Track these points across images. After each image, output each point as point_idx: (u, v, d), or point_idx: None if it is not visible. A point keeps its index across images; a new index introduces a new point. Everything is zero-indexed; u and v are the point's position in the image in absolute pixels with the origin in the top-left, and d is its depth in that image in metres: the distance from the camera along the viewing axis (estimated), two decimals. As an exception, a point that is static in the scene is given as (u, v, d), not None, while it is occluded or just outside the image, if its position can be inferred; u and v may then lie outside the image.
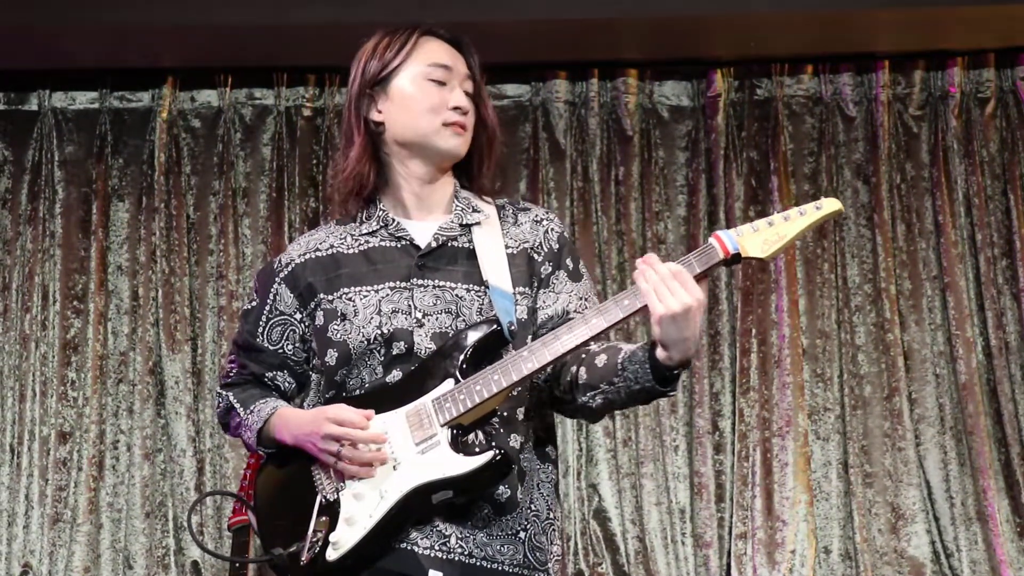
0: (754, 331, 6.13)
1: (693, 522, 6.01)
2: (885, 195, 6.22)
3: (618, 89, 6.32)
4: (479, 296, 2.66)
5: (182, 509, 5.94)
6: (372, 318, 2.65)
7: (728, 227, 6.07)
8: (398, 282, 2.67)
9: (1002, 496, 6.01)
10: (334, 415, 2.59)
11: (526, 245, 2.74)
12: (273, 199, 6.23)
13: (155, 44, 6.03)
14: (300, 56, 6.16)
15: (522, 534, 2.64)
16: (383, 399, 2.61)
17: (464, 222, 2.73)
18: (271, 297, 2.79)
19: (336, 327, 2.68)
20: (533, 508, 2.67)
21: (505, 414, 2.63)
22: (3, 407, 6.04)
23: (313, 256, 2.77)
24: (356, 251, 2.73)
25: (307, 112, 6.30)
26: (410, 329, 2.63)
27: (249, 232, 6.21)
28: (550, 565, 2.69)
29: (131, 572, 5.93)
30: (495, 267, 2.67)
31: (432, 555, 2.57)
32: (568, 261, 2.76)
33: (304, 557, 2.58)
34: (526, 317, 2.68)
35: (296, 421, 2.68)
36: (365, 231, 2.75)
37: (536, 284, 2.72)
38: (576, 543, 5.94)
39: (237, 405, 2.81)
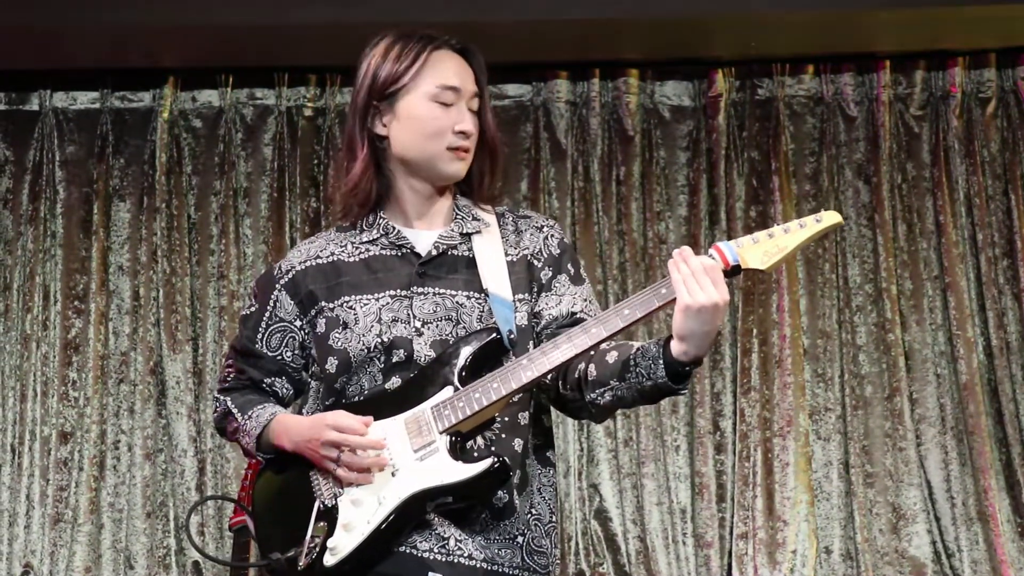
0: (755, 331, 6.13)
1: (694, 522, 6.02)
2: (886, 195, 6.22)
3: (619, 89, 6.32)
4: (479, 303, 2.66)
5: (183, 509, 5.95)
6: (372, 326, 2.65)
7: (729, 227, 6.14)
8: (398, 290, 2.67)
9: (1003, 496, 6.01)
10: (333, 421, 2.59)
11: (526, 252, 2.73)
12: (274, 199, 6.24)
13: (156, 44, 6.03)
14: (301, 56, 6.16)
15: (520, 539, 2.63)
16: (382, 406, 2.61)
17: (464, 231, 2.73)
18: (271, 303, 2.79)
19: (337, 335, 2.68)
20: (535, 512, 2.67)
21: (507, 419, 2.63)
22: (4, 407, 6.05)
23: (314, 263, 2.76)
24: (357, 259, 2.73)
25: (308, 112, 6.31)
26: (409, 337, 2.63)
27: (250, 232, 6.21)
28: (551, 569, 2.69)
29: (132, 572, 5.94)
30: (495, 275, 2.67)
31: (432, 557, 2.57)
32: (569, 266, 2.76)
33: (302, 562, 2.58)
34: (526, 324, 2.68)
35: (296, 427, 2.67)
36: (366, 239, 2.74)
37: (536, 290, 2.72)
38: (577, 543, 5.94)
39: (235, 410, 2.80)
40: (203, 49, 6.10)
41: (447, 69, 2.72)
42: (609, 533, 5.99)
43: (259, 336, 2.80)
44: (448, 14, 5.53)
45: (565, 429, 5.98)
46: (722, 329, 6.14)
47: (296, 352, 2.79)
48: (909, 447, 6.04)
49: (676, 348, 2.47)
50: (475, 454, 2.57)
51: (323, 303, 2.71)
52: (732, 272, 2.48)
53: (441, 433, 2.55)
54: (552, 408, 2.79)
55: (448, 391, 2.57)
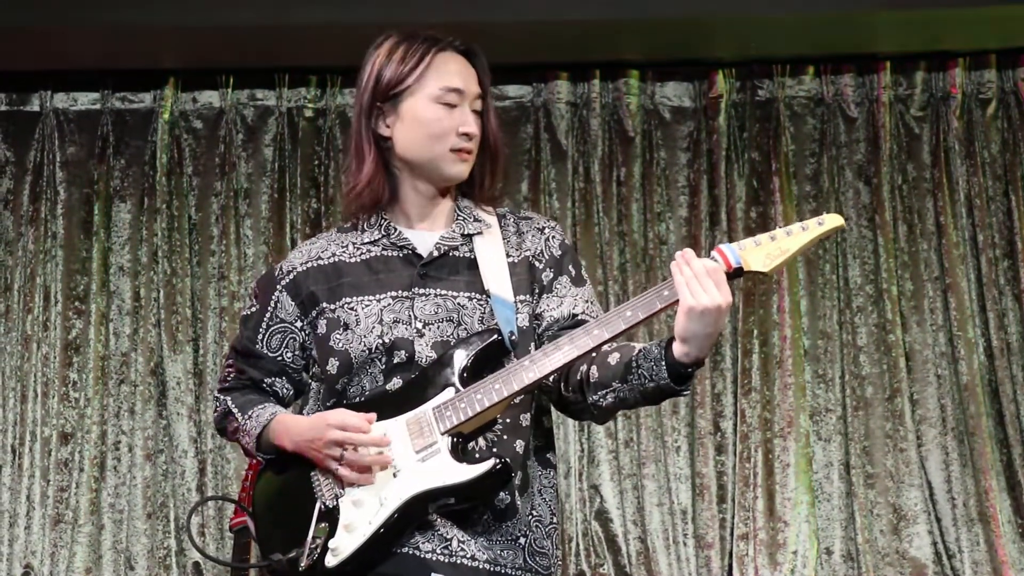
0: (756, 332, 6.13)
1: (695, 523, 6.02)
2: (886, 196, 6.22)
3: (620, 90, 6.33)
4: (481, 305, 2.66)
5: (183, 510, 5.95)
6: (374, 327, 2.64)
7: (729, 228, 6.14)
8: (400, 291, 2.67)
9: (1004, 497, 6.01)
10: (336, 420, 2.58)
11: (527, 253, 2.74)
12: (275, 200, 6.24)
13: (156, 45, 6.04)
14: (302, 57, 6.16)
15: (522, 540, 2.63)
16: (383, 407, 2.61)
17: (465, 232, 2.73)
18: (272, 304, 2.79)
19: (338, 336, 2.67)
20: (536, 513, 2.66)
21: (509, 420, 2.63)
22: (5, 408, 6.05)
23: (315, 264, 2.76)
24: (358, 260, 2.73)
25: (309, 113, 6.31)
26: (411, 338, 2.63)
27: (251, 233, 6.22)
28: (553, 570, 2.69)
29: (132, 573, 5.94)
30: (496, 276, 2.67)
31: (435, 558, 2.57)
32: (571, 267, 2.76)
33: (303, 563, 2.58)
34: (527, 325, 2.68)
35: (297, 427, 2.67)
36: (367, 240, 2.74)
37: (537, 291, 2.72)
38: (578, 544, 5.94)
39: (235, 410, 2.80)
40: (204, 50, 6.10)
41: (451, 71, 2.72)
42: (610, 534, 5.99)
43: (260, 337, 2.79)
44: (448, 14, 5.53)
45: (566, 430, 5.98)
46: (723, 330, 6.12)
47: (296, 353, 2.79)
48: (910, 448, 6.04)
49: (678, 349, 2.47)
50: (477, 455, 2.57)
51: (324, 304, 2.71)
52: (734, 274, 2.48)
53: (443, 434, 2.55)
54: (553, 410, 2.79)
55: (449, 392, 2.57)
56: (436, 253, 2.70)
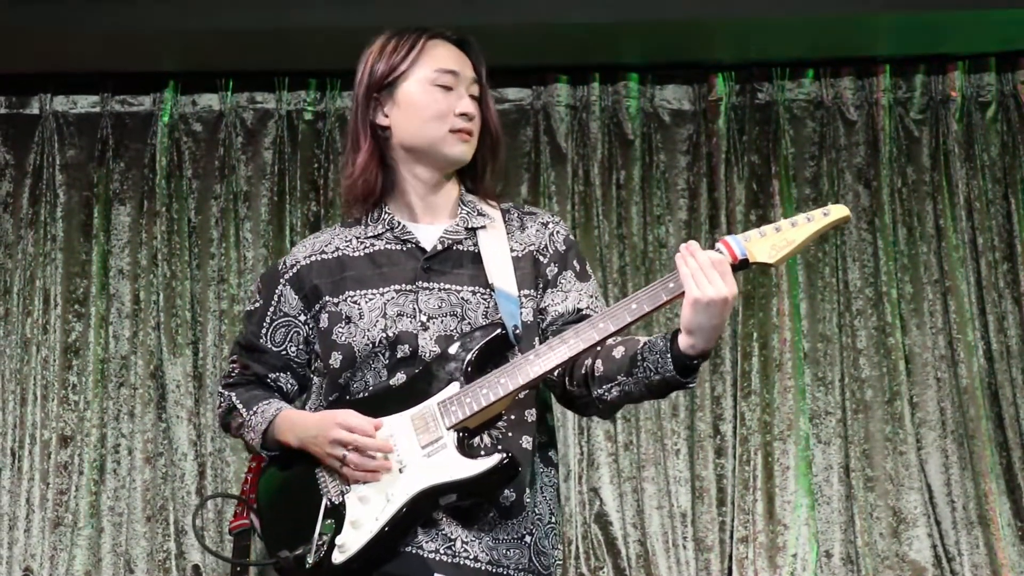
0: (755, 335, 6.13)
1: (694, 526, 6.01)
2: (886, 199, 6.22)
3: (619, 93, 6.33)
4: (485, 299, 2.65)
5: (183, 513, 5.94)
6: (377, 321, 2.64)
7: (729, 231, 6.14)
8: (403, 285, 2.67)
9: (1004, 500, 6.01)
10: (343, 420, 2.58)
11: (532, 248, 2.73)
12: (274, 203, 6.24)
13: (156, 48, 6.03)
14: (301, 60, 6.16)
15: (528, 538, 2.63)
16: (387, 402, 2.61)
17: (469, 225, 2.72)
18: (275, 298, 2.78)
19: (341, 330, 2.67)
20: (537, 512, 2.66)
21: (514, 416, 2.63)
22: (4, 411, 6.05)
23: (318, 258, 2.76)
24: (361, 254, 2.73)
25: (308, 116, 6.31)
26: (415, 332, 2.63)
27: (250, 236, 6.21)
28: (553, 570, 2.68)
29: (132, 576, 5.94)
30: (500, 270, 2.66)
31: (438, 559, 2.56)
32: (575, 262, 2.76)
33: (310, 560, 2.58)
34: (532, 319, 2.68)
35: (302, 424, 2.67)
36: (370, 234, 2.74)
37: (542, 285, 2.72)
38: (577, 547, 5.94)
39: (240, 406, 2.79)
40: (203, 53, 6.10)
41: (444, 55, 2.73)
42: (609, 537, 5.98)
43: (263, 331, 2.79)
44: (449, 17, 5.53)
45: (565, 432, 5.98)
46: (723, 332, 6.14)
47: (300, 347, 2.78)
48: (909, 451, 6.04)
49: (684, 341, 2.46)
50: (483, 451, 2.57)
51: (327, 298, 2.71)
52: (740, 266, 2.48)
53: (448, 429, 2.54)
54: (555, 408, 2.79)
55: (454, 387, 2.56)
56: (440, 247, 2.70)
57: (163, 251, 6.17)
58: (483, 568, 2.58)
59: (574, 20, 5.82)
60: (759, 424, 6.06)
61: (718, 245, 2.49)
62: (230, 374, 2.87)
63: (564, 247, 2.76)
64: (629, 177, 6.29)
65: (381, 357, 2.64)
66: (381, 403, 2.61)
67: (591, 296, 2.74)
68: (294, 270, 2.77)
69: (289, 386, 2.83)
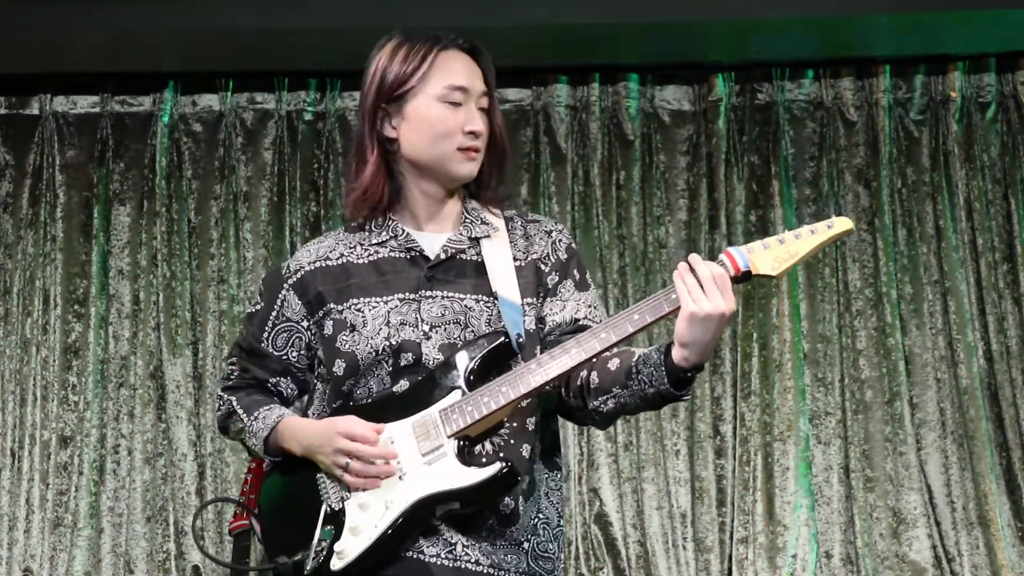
0: (755, 335, 6.14)
1: (694, 526, 6.01)
2: (886, 199, 6.22)
3: (619, 93, 6.33)
4: (488, 307, 2.65)
5: (183, 514, 5.95)
6: (380, 329, 2.63)
7: (729, 231, 6.14)
8: (407, 293, 2.66)
9: (1003, 500, 6.01)
10: (345, 429, 2.58)
11: (534, 256, 2.72)
12: (274, 203, 6.24)
13: (156, 48, 6.04)
14: (301, 60, 6.17)
15: (525, 544, 2.63)
16: (389, 408, 2.60)
17: (473, 235, 2.72)
18: (278, 303, 2.77)
19: (345, 337, 2.66)
20: (542, 516, 2.66)
21: (515, 424, 2.62)
22: (4, 411, 6.05)
23: (323, 264, 2.74)
24: (366, 261, 2.71)
25: (308, 116, 6.31)
26: (418, 340, 2.62)
27: (250, 236, 6.21)
28: (556, 573, 2.68)
29: (131, 576, 5.94)
30: (504, 279, 2.66)
31: (439, 563, 2.56)
32: (575, 271, 2.74)
33: (308, 566, 2.57)
34: (534, 328, 2.67)
35: (306, 432, 2.66)
36: (375, 241, 2.73)
37: (542, 294, 2.71)
38: (577, 547, 5.94)
39: (240, 411, 2.78)
40: (203, 53, 6.10)
41: (455, 69, 2.69)
42: (609, 537, 5.99)
43: (265, 335, 2.78)
44: (448, 18, 5.53)
45: (565, 433, 5.98)
46: (717, 346, 6.14)
47: (302, 352, 2.77)
48: (909, 451, 6.04)
49: (677, 354, 2.46)
50: (483, 459, 2.56)
51: (331, 305, 2.70)
52: (743, 278, 2.47)
53: (449, 437, 2.54)
54: None
55: (456, 395, 2.56)
56: (443, 256, 2.69)
57: (163, 251, 6.17)
58: (484, 571, 2.58)
59: (574, 20, 5.82)
60: (759, 425, 6.06)
61: (721, 256, 2.48)
62: (229, 376, 2.85)
63: (566, 256, 2.75)
64: (629, 177, 6.29)
65: (384, 364, 2.63)
66: (383, 410, 2.60)
67: (589, 306, 2.72)
68: (298, 275, 2.76)
69: (289, 391, 2.82)
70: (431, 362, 2.61)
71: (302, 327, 2.76)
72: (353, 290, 2.68)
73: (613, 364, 2.57)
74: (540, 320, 2.70)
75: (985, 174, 6.25)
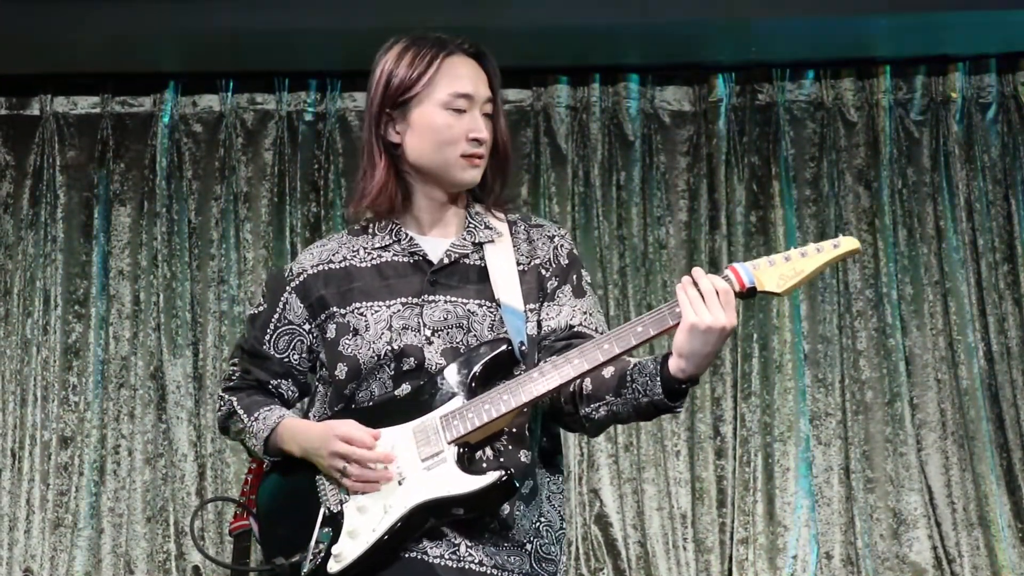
0: (755, 336, 6.14)
1: (694, 527, 6.01)
2: (886, 200, 6.22)
3: (619, 94, 6.33)
4: (491, 312, 2.64)
5: (183, 514, 5.95)
6: (383, 333, 2.63)
7: (729, 232, 6.15)
8: (410, 298, 2.65)
9: (1004, 501, 6.01)
10: (342, 433, 2.57)
11: (537, 262, 2.72)
12: (275, 204, 6.24)
13: (156, 49, 6.04)
14: (301, 61, 6.17)
15: (528, 546, 2.62)
16: (390, 413, 2.60)
17: (476, 240, 2.71)
18: (280, 305, 2.77)
19: (347, 341, 2.66)
20: (545, 519, 2.65)
21: (515, 430, 2.61)
22: (4, 412, 6.05)
23: (326, 268, 2.74)
24: (369, 265, 2.71)
25: (309, 117, 6.31)
26: (420, 345, 2.62)
27: (251, 237, 6.21)
28: (558, 575, 2.68)
29: (132, 577, 5.94)
30: (507, 285, 2.65)
31: (443, 563, 2.55)
32: (574, 277, 2.74)
33: (305, 568, 2.57)
34: (536, 333, 2.67)
35: (305, 434, 2.66)
36: (378, 245, 2.72)
37: (542, 299, 2.70)
38: (577, 548, 5.94)
39: (241, 411, 2.78)
40: (204, 54, 6.11)
41: (461, 76, 2.69)
42: (609, 538, 5.98)
43: (267, 337, 2.78)
44: (448, 18, 5.52)
45: (565, 434, 5.95)
46: (715, 360, 6.14)
47: (303, 355, 2.77)
48: (910, 452, 6.04)
49: (674, 365, 2.46)
50: (483, 466, 2.56)
51: (334, 308, 2.69)
52: (748, 294, 2.46)
53: (449, 443, 2.54)
54: None
55: (458, 401, 2.56)
56: (447, 260, 2.69)
57: (163, 252, 6.17)
58: (488, 572, 2.57)
59: (574, 21, 5.82)
60: (759, 425, 6.06)
61: (726, 271, 2.48)
62: (231, 377, 2.86)
63: (567, 261, 2.74)
64: (629, 178, 6.29)
65: (387, 368, 2.63)
66: (384, 414, 2.60)
67: (585, 312, 2.71)
68: (301, 279, 2.76)
69: (290, 393, 2.82)
70: (433, 367, 2.61)
71: (304, 330, 2.76)
72: (356, 294, 2.68)
73: (608, 371, 2.57)
74: (537, 324, 2.69)
75: (986, 175, 6.25)
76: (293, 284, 2.76)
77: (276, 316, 2.77)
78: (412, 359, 2.62)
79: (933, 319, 6.16)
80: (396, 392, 2.63)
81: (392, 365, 2.62)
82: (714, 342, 2.42)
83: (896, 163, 6.27)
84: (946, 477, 6.03)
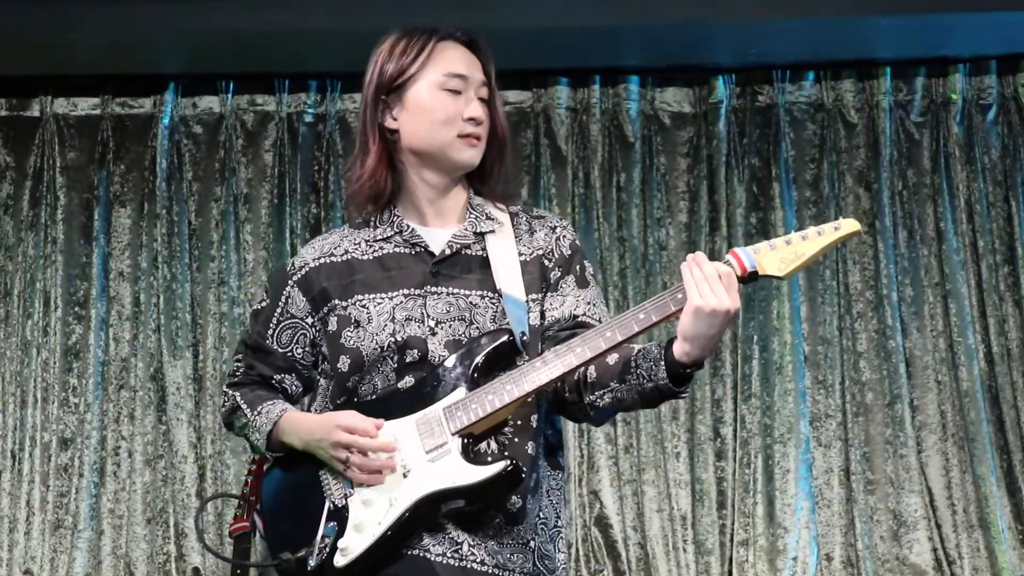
0: (756, 337, 6.13)
1: (695, 529, 6.01)
2: (887, 202, 6.22)
3: (620, 95, 6.33)
4: (493, 303, 2.64)
5: (183, 515, 5.94)
6: (386, 325, 2.63)
7: (729, 233, 6.14)
8: (412, 289, 2.66)
9: (1004, 503, 6.00)
10: (344, 422, 2.57)
11: (539, 252, 2.72)
12: (275, 205, 6.24)
13: (157, 50, 6.04)
14: (302, 62, 6.17)
15: (532, 543, 2.62)
16: (394, 405, 2.60)
17: (478, 230, 2.71)
18: (282, 299, 2.77)
19: (349, 334, 2.66)
20: (542, 516, 2.65)
21: (519, 422, 2.62)
22: (4, 413, 6.05)
23: (327, 261, 2.74)
24: (370, 257, 2.71)
25: (309, 118, 6.31)
26: (423, 337, 2.62)
27: (251, 238, 6.21)
28: (558, 573, 2.67)
29: (132, 578, 5.94)
30: (508, 275, 2.65)
31: (444, 562, 2.55)
32: (577, 268, 2.74)
33: (312, 562, 2.57)
34: (539, 324, 2.67)
35: (306, 426, 2.65)
36: (379, 237, 2.73)
37: (545, 289, 2.71)
38: (577, 550, 5.94)
39: (244, 406, 2.78)
40: (204, 55, 6.11)
41: (453, 58, 2.71)
42: (609, 540, 5.98)
43: (270, 332, 2.78)
44: (449, 20, 5.49)
45: (565, 435, 5.93)
46: (723, 337, 6.14)
47: (306, 349, 2.77)
48: (910, 454, 6.04)
49: (678, 349, 2.46)
50: (488, 457, 2.56)
51: (336, 301, 2.70)
52: (749, 278, 2.47)
53: (453, 435, 2.54)
54: None
55: (460, 392, 2.56)
56: (448, 251, 2.69)
57: (163, 253, 6.17)
58: (489, 571, 2.57)
59: (574, 22, 5.82)
60: (759, 427, 6.06)
61: (727, 256, 2.48)
62: (235, 373, 2.86)
63: (569, 252, 2.75)
64: (629, 180, 6.29)
65: (390, 361, 2.63)
66: (388, 406, 2.60)
67: (588, 303, 2.72)
68: (302, 272, 2.76)
69: (294, 388, 2.82)
70: (436, 358, 2.61)
71: (307, 323, 2.76)
72: (358, 286, 2.68)
73: (611, 358, 2.57)
74: (541, 315, 2.69)
75: (986, 176, 6.25)
76: (295, 278, 2.77)
77: (279, 310, 2.78)
78: (416, 351, 2.62)
79: (933, 321, 6.16)
80: (399, 384, 2.63)
81: (395, 357, 2.62)
82: (719, 325, 2.42)
83: (896, 165, 6.27)
84: (946, 479, 6.03)
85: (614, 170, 6.30)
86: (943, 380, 6.12)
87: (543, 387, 2.53)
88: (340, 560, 2.54)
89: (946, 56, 6.26)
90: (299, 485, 2.68)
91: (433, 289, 2.65)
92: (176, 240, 6.19)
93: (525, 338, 2.61)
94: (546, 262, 2.72)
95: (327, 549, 2.57)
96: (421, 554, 2.56)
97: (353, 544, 2.55)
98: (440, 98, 2.68)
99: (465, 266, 2.68)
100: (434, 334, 2.62)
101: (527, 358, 2.59)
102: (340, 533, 2.56)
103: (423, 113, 2.69)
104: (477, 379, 2.56)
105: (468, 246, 2.70)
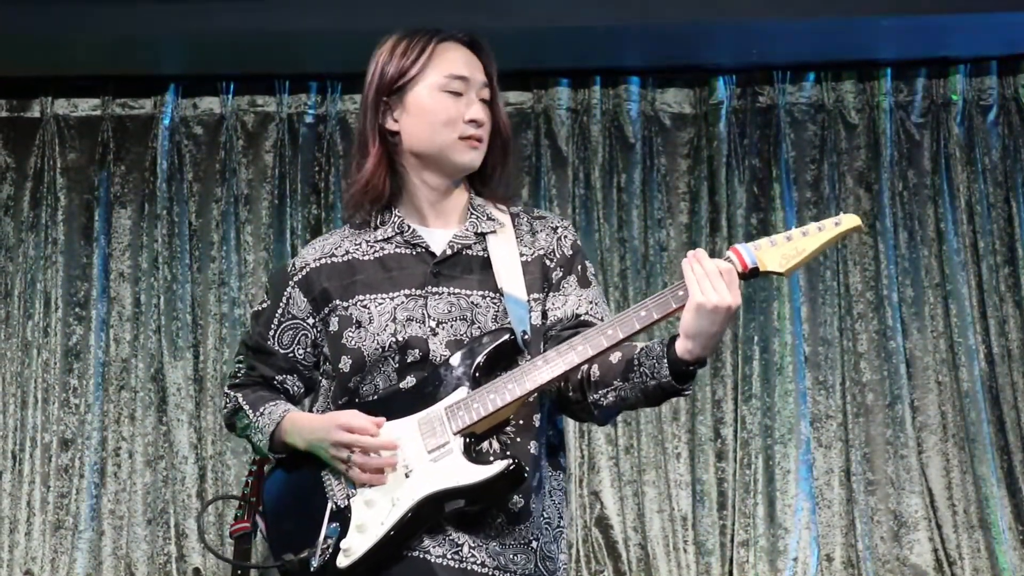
0: (756, 338, 6.14)
1: (695, 529, 6.01)
2: (887, 202, 6.22)
3: (620, 96, 6.33)
4: (494, 303, 2.64)
5: (184, 516, 5.95)
6: (387, 326, 2.63)
7: (730, 234, 6.14)
8: (413, 290, 2.65)
9: (1005, 503, 6.00)
10: (345, 422, 2.57)
11: (540, 252, 2.72)
12: (275, 206, 6.24)
13: (157, 51, 6.04)
14: (302, 63, 6.17)
15: (534, 543, 2.62)
16: (396, 405, 2.60)
17: (479, 230, 2.71)
18: (284, 300, 2.77)
19: (351, 334, 2.66)
20: (545, 516, 2.65)
21: (522, 421, 2.61)
22: (5, 414, 6.05)
23: (328, 261, 2.74)
24: (371, 257, 2.71)
25: (309, 119, 6.31)
26: (424, 337, 2.62)
27: (251, 239, 6.21)
28: (559, 574, 2.67)
29: (132, 579, 5.94)
30: (510, 275, 2.65)
31: (445, 564, 2.55)
32: (579, 267, 2.74)
33: (314, 563, 2.57)
34: (540, 324, 2.67)
35: (308, 426, 2.65)
36: (380, 237, 2.72)
37: (547, 289, 2.70)
38: (578, 550, 5.94)
39: (246, 407, 2.77)
40: (204, 56, 6.11)
41: (455, 59, 2.71)
42: (610, 540, 5.98)
43: (271, 333, 2.77)
44: (449, 20, 5.48)
45: (566, 436, 5.95)
46: (723, 336, 6.14)
47: (308, 350, 2.76)
48: (910, 454, 6.04)
49: (681, 346, 2.46)
50: (490, 456, 2.55)
51: (337, 301, 2.69)
52: (750, 275, 2.47)
53: (455, 434, 2.53)
54: None
55: (462, 392, 2.55)
56: (449, 252, 2.68)
57: (164, 254, 6.17)
58: (489, 573, 2.57)
59: (574, 23, 5.82)
60: (760, 428, 6.06)
61: (728, 253, 2.49)
62: (236, 374, 2.85)
63: (571, 252, 2.74)
64: (630, 180, 6.29)
65: (391, 361, 2.63)
66: (389, 406, 2.60)
67: (590, 302, 2.71)
68: (303, 272, 2.76)
69: (295, 388, 2.81)
70: (438, 358, 2.61)
71: (308, 324, 2.75)
72: (359, 286, 2.68)
73: (614, 357, 2.57)
74: (543, 315, 2.69)
75: (986, 177, 6.25)
76: (296, 278, 2.76)
77: (280, 311, 2.77)
78: (417, 351, 2.61)
79: (934, 321, 6.17)
80: (401, 384, 2.62)
81: (397, 357, 2.62)
82: (720, 321, 2.42)
83: (897, 165, 6.27)
84: (947, 479, 6.03)
85: (615, 171, 6.30)
86: (943, 381, 6.12)
87: (545, 385, 2.53)
88: (343, 561, 2.54)
89: (947, 57, 6.26)
90: (301, 486, 2.68)
91: (434, 289, 2.65)
92: (177, 241, 6.19)
93: (527, 337, 2.61)
94: (548, 262, 2.72)
95: (330, 550, 2.57)
96: (421, 556, 2.55)
97: (356, 544, 2.54)
98: (441, 100, 2.68)
99: (466, 266, 2.68)
100: (435, 334, 2.62)
101: (529, 357, 2.59)
102: (343, 534, 2.56)
103: (424, 115, 2.68)
104: (479, 378, 2.56)
105: (469, 246, 2.70)
